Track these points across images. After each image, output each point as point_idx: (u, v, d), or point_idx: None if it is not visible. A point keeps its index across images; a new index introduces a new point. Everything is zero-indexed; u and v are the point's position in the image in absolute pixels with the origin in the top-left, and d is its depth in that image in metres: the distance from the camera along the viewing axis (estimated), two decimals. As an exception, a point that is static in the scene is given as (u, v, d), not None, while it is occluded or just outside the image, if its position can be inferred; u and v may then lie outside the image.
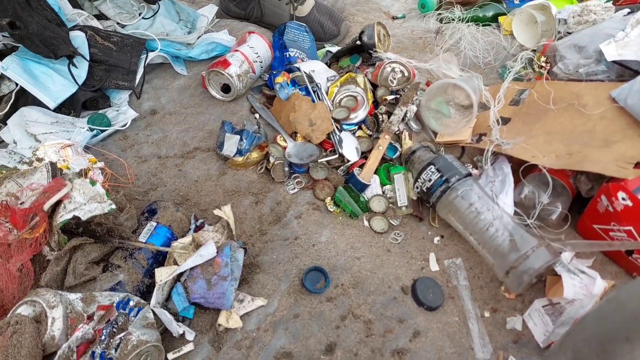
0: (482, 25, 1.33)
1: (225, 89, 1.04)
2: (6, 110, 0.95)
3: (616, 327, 0.48)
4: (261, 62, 1.07)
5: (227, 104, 1.05)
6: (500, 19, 1.34)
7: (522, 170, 0.87)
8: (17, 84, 0.97)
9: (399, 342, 0.71)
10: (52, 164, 0.82)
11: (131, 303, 0.65)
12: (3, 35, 0.99)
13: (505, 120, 1.00)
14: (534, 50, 1.20)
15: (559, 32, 1.20)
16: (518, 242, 0.73)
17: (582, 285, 0.72)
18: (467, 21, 1.32)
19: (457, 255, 0.83)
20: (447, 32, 1.31)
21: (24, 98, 0.97)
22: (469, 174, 0.86)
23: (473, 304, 0.77)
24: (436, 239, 0.86)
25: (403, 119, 1.01)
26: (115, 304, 0.64)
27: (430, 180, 0.86)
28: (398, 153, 0.99)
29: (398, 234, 0.87)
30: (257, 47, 1.07)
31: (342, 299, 0.75)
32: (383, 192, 0.93)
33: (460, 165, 0.87)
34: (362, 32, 1.09)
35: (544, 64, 1.16)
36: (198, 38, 1.16)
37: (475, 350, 0.72)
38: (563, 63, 1.08)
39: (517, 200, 0.85)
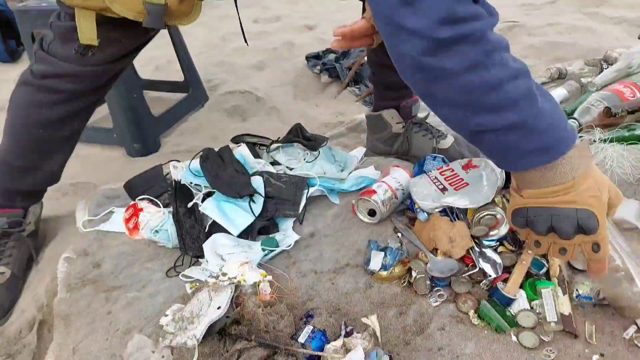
0: (628, 144, 1.31)
1: (372, 213, 1.18)
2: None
3: None
4: (403, 189, 1.21)
5: (373, 226, 1.18)
6: (650, 135, 1.31)
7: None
8: (211, 219, 1.25)
9: None
10: (236, 287, 1.01)
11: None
12: (205, 186, 1.31)
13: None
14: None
15: None
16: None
17: None
18: (611, 141, 1.32)
19: (623, 376, 0.76)
20: (589, 153, 1.31)
21: (216, 228, 1.24)
22: None
23: None
24: (595, 357, 0.80)
25: (546, 235, 1.02)
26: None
27: None
28: (545, 269, 0.98)
29: (550, 350, 0.83)
30: (399, 177, 1.23)
31: (491, 413, 0.73)
32: (531, 307, 0.91)
33: None
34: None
35: None
36: (349, 174, 1.37)
37: None
38: None
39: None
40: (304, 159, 1.40)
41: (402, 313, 0.95)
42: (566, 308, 0.89)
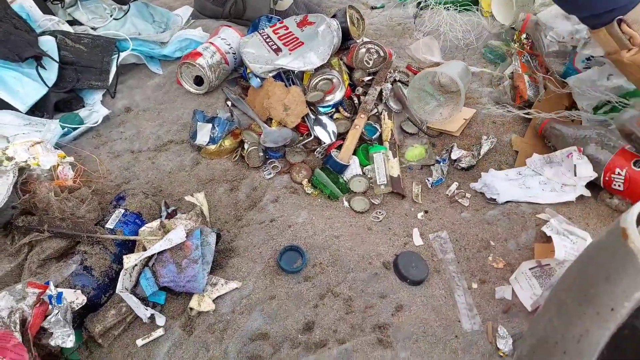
0: (461, 7, 1.31)
1: (199, 81, 1.02)
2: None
3: (596, 269, 0.45)
4: (234, 53, 1.06)
5: (202, 97, 1.03)
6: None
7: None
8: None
9: (381, 317, 0.67)
10: (20, 170, 0.80)
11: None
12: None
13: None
14: (513, 29, 1.18)
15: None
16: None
17: (573, 246, 0.69)
18: (445, 3, 1.31)
19: (442, 228, 0.80)
20: (425, 17, 1.30)
21: (-3, 103, 0.96)
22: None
23: (460, 276, 0.73)
24: (420, 215, 0.83)
25: (380, 99, 0.99)
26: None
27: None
28: (378, 134, 0.96)
29: (380, 212, 0.83)
30: (229, 38, 1.06)
31: (321, 277, 0.71)
32: (363, 173, 0.90)
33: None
34: (334, 16, 1.08)
35: (525, 41, 1.14)
36: (171, 36, 1.15)
37: (462, 322, 0.68)
38: (555, 32, 1.05)
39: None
40: (111, 16, 1.13)
41: (233, 189, 0.86)
42: (395, 170, 0.89)
